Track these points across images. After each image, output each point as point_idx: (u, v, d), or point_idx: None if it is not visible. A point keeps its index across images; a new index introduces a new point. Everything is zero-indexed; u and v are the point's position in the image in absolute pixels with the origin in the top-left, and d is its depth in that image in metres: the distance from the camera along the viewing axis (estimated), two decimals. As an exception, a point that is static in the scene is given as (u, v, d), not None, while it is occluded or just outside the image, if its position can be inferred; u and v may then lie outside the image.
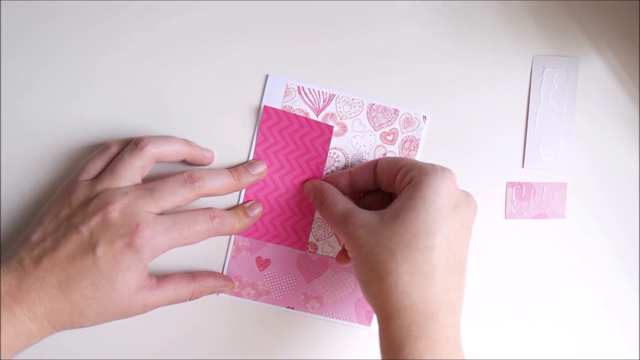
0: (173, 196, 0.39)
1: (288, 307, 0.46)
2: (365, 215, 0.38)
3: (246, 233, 0.45)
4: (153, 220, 0.38)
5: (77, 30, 0.43)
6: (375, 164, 0.42)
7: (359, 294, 0.46)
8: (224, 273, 0.45)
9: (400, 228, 0.35)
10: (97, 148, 0.43)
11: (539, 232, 0.46)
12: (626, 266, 0.47)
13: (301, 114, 0.44)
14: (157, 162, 0.41)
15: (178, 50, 0.44)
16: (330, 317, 0.46)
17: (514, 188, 0.46)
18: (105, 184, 0.39)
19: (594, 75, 0.46)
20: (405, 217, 0.36)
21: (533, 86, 0.46)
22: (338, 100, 0.45)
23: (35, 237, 0.38)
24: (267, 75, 0.44)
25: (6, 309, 0.36)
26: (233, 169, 0.43)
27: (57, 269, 0.37)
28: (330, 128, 0.44)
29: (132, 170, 0.40)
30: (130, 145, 0.41)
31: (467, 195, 0.38)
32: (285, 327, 0.46)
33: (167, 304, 0.41)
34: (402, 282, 0.34)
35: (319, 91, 0.44)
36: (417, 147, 0.45)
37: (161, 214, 0.39)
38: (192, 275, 0.43)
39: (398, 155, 0.45)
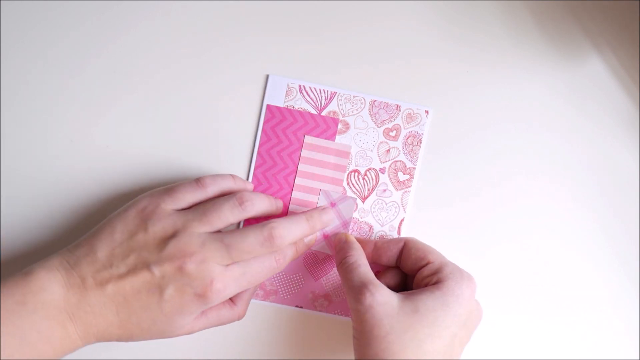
0: (249, 254, 0.39)
1: (297, 306, 0.45)
2: (386, 293, 0.38)
3: None
4: (224, 272, 0.38)
5: (75, 31, 0.43)
6: (402, 245, 0.42)
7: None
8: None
9: (416, 324, 0.37)
10: (96, 150, 0.43)
11: (539, 232, 0.47)
12: (626, 266, 0.47)
13: (303, 113, 0.44)
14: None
15: (177, 51, 0.43)
16: (339, 315, 0.45)
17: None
18: (190, 224, 0.38)
19: (594, 75, 0.46)
20: (424, 316, 0.37)
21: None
22: (340, 98, 0.44)
23: (102, 254, 0.37)
24: (267, 76, 0.44)
25: (60, 325, 0.35)
26: (308, 214, 0.41)
27: (119, 298, 0.37)
28: (335, 121, 0.44)
29: (224, 224, 0.39)
30: (233, 199, 0.40)
31: (477, 306, 0.40)
32: (295, 326, 0.45)
33: (211, 327, 0.41)
34: None
35: (320, 89, 0.44)
36: (420, 143, 0.45)
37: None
38: (231, 298, 0.42)
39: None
